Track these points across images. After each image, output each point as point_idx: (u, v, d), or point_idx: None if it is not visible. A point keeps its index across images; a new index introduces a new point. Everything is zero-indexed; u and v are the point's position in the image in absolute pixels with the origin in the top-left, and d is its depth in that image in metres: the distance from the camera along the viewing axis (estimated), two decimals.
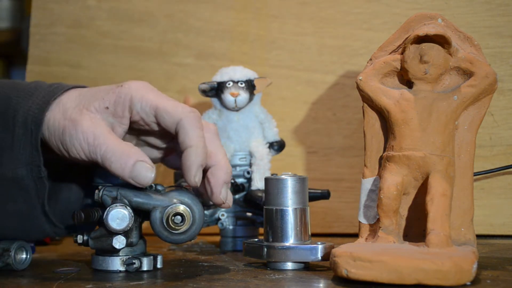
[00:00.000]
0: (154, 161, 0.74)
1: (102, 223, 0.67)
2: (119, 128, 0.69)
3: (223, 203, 0.69)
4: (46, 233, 0.72)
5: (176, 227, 0.67)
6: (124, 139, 0.70)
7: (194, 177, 0.66)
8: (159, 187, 0.70)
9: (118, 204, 0.67)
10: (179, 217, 0.67)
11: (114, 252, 0.69)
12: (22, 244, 0.73)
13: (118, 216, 0.67)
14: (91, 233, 0.70)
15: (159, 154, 0.75)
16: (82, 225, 0.69)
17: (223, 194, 0.69)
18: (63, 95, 0.70)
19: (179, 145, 0.67)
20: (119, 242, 0.68)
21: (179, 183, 0.84)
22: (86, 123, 0.67)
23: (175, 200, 0.67)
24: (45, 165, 0.69)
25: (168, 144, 0.74)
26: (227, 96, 0.86)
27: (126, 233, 0.68)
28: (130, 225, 0.67)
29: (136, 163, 0.66)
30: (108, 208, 0.67)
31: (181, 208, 0.67)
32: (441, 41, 0.69)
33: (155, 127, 0.70)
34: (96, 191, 0.69)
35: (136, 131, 0.72)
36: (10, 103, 0.70)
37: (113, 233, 0.67)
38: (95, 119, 0.68)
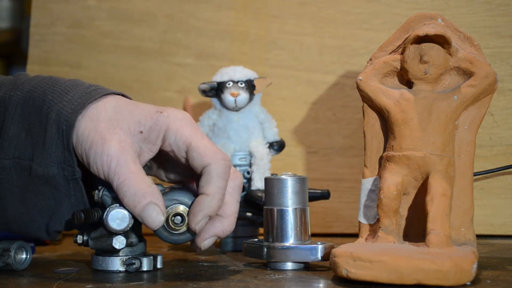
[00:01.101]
0: (172, 181, 0.73)
1: (102, 223, 0.67)
2: (147, 154, 0.68)
3: (199, 248, 0.67)
4: (69, 227, 0.72)
5: (176, 227, 0.67)
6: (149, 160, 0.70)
7: (196, 224, 0.65)
8: (160, 187, 0.69)
9: (118, 205, 0.67)
10: (179, 217, 0.67)
11: (114, 252, 0.69)
12: (22, 244, 0.73)
13: (118, 217, 0.67)
14: (91, 233, 0.70)
15: (178, 177, 0.73)
16: (82, 225, 0.69)
17: (206, 242, 0.67)
18: (100, 101, 0.68)
19: (199, 186, 0.66)
20: (119, 242, 0.68)
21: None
22: (114, 146, 0.66)
23: (175, 201, 0.67)
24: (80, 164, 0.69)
25: (190, 175, 0.71)
26: (227, 96, 0.86)
27: (126, 233, 0.68)
28: (130, 226, 0.67)
29: (149, 205, 0.65)
30: (108, 209, 0.67)
31: (181, 208, 0.67)
32: (441, 41, 0.69)
33: (183, 161, 0.68)
34: (96, 192, 0.69)
35: (163, 157, 0.70)
36: (45, 98, 0.69)
37: (113, 233, 0.67)
38: (124, 144, 0.66)
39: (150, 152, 0.68)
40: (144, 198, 0.65)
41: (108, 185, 0.68)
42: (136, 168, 0.66)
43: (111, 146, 0.66)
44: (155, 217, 0.65)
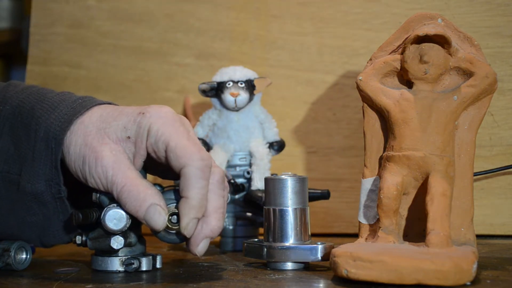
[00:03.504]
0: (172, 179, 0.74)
1: (99, 223, 0.67)
2: (139, 158, 0.68)
3: (197, 255, 0.67)
4: (63, 241, 0.73)
5: (173, 227, 0.67)
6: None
7: (184, 229, 0.65)
8: (158, 187, 0.69)
9: (115, 205, 0.67)
10: (175, 217, 0.67)
11: (113, 252, 0.69)
12: (22, 244, 0.73)
13: (116, 217, 0.67)
14: (89, 233, 0.70)
15: (169, 174, 0.72)
16: (80, 225, 0.69)
17: (200, 247, 0.66)
18: (85, 115, 0.69)
19: (179, 190, 0.66)
20: (117, 242, 0.68)
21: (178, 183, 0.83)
22: (106, 156, 0.66)
23: (171, 200, 0.67)
24: (66, 182, 0.69)
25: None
26: (227, 96, 0.86)
27: (124, 233, 0.68)
28: (127, 226, 0.67)
29: (151, 206, 0.65)
30: (105, 209, 0.67)
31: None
32: (441, 41, 0.69)
33: (164, 162, 0.67)
34: (94, 192, 0.69)
35: (153, 160, 0.69)
36: (33, 114, 0.69)
37: (111, 233, 0.67)
38: (116, 152, 0.66)
39: (141, 156, 0.68)
40: (145, 201, 0.65)
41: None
42: (132, 173, 0.66)
43: (104, 157, 0.66)
44: (158, 218, 0.65)
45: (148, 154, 0.68)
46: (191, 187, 0.64)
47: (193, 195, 0.64)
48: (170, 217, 0.67)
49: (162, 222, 0.65)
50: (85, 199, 0.71)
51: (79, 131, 0.68)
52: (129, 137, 0.67)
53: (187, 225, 0.65)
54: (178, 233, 0.67)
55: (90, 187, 0.68)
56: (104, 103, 0.71)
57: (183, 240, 0.68)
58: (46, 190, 0.69)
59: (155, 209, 0.65)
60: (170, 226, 0.67)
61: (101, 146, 0.67)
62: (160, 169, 0.70)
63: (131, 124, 0.67)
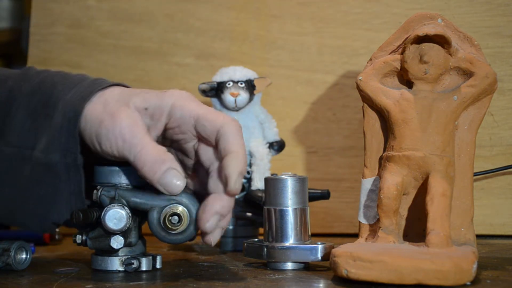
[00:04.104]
0: None
1: (100, 223, 0.67)
2: (153, 131, 0.69)
3: (206, 231, 0.66)
4: (66, 222, 0.71)
5: (173, 227, 0.67)
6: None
7: (234, 184, 0.65)
8: None
9: (115, 204, 0.67)
10: (176, 217, 0.67)
11: (113, 252, 0.69)
12: (22, 244, 0.73)
13: (116, 216, 0.67)
14: (89, 233, 0.70)
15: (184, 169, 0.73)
16: (80, 225, 0.69)
17: (210, 223, 0.66)
18: (106, 89, 0.70)
19: (220, 152, 0.66)
20: (117, 242, 0.68)
21: None
22: (125, 120, 0.67)
23: (173, 200, 0.67)
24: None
25: (192, 164, 0.72)
26: (227, 96, 0.86)
27: (124, 233, 0.68)
28: (127, 226, 0.67)
29: (168, 170, 0.65)
30: (105, 208, 0.67)
31: (179, 208, 0.67)
32: (441, 41, 0.69)
33: (190, 138, 0.69)
34: (95, 191, 0.69)
35: (167, 141, 0.71)
36: (54, 90, 0.70)
37: (111, 233, 0.67)
38: (134, 117, 0.67)
39: (156, 130, 0.69)
40: (164, 164, 0.65)
41: (107, 183, 0.68)
42: (150, 138, 0.67)
43: (122, 120, 0.66)
44: (176, 182, 0.66)
45: (166, 136, 0.69)
46: (233, 143, 0.66)
47: (237, 149, 0.66)
48: (170, 217, 0.67)
49: (179, 186, 0.66)
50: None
51: (99, 100, 0.68)
52: (146, 109, 0.68)
53: (236, 181, 0.65)
54: (178, 234, 0.67)
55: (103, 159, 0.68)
56: (123, 85, 0.72)
57: (182, 241, 0.68)
58: (60, 160, 0.68)
59: (173, 173, 0.66)
60: (169, 226, 0.67)
61: (119, 111, 0.67)
62: (177, 159, 0.71)
63: (152, 97, 0.68)
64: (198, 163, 0.70)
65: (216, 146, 0.67)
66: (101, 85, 0.70)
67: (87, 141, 0.68)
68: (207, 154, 0.69)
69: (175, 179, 0.66)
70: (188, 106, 0.68)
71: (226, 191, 0.66)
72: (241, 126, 0.68)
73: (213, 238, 0.67)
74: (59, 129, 0.68)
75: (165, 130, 0.69)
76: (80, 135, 0.68)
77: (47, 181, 0.69)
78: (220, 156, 0.67)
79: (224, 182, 0.65)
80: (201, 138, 0.68)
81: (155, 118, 0.68)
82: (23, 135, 0.70)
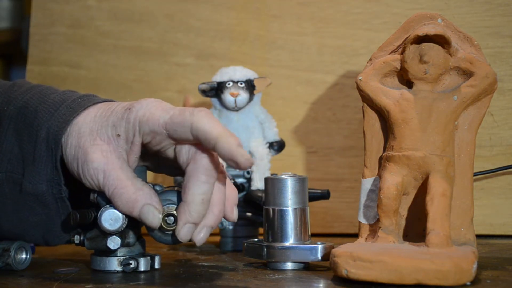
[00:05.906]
0: (176, 175, 0.74)
1: (96, 224, 0.67)
2: (132, 155, 0.68)
3: (249, 164, 0.64)
4: (67, 240, 0.73)
5: (169, 228, 0.67)
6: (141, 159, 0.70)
7: (241, 156, 0.62)
8: (157, 187, 0.70)
9: (112, 205, 0.67)
10: (171, 217, 0.67)
11: (110, 252, 0.69)
12: (22, 244, 0.73)
13: (112, 217, 0.67)
14: (87, 233, 0.70)
15: (176, 171, 0.72)
16: (78, 225, 0.69)
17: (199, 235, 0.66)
18: (80, 115, 0.69)
19: (206, 146, 0.64)
20: (113, 242, 0.68)
21: (178, 183, 0.83)
22: (97, 159, 0.66)
23: (168, 201, 0.67)
24: (68, 182, 0.69)
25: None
26: (227, 96, 0.86)
27: (122, 233, 0.68)
28: (123, 226, 0.67)
29: (143, 207, 0.66)
30: (102, 209, 0.67)
31: (174, 209, 0.67)
32: (441, 41, 0.69)
33: (169, 144, 0.67)
34: (92, 193, 0.69)
35: (151, 152, 0.69)
36: (36, 115, 0.70)
37: (108, 233, 0.67)
38: (107, 153, 0.67)
39: (133, 152, 0.68)
40: (137, 202, 0.66)
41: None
42: (124, 174, 0.66)
43: (94, 160, 0.66)
44: (152, 218, 0.66)
45: (147, 149, 0.68)
46: (213, 128, 0.63)
47: (219, 132, 0.63)
48: (166, 218, 0.67)
49: (157, 221, 0.66)
50: (87, 199, 0.71)
51: (74, 132, 0.68)
52: (119, 135, 0.67)
53: (242, 154, 0.62)
54: (174, 234, 0.67)
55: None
56: (102, 101, 0.71)
57: (180, 241, 0.67)
58: (47, 190, 0.69)
59: (148, 210, 0.66)
60: (165, 227, 0.67)
61: (92, 147, 0.67)
62: (167, 164, 0.70)
63: (119, 121, 0.67)
64: None
65: (198, 143, 0.65)
66: (77, 109, 0.69)
67: (74, 173, 0.69)
68: (184, 154, 0.67)
69: (150, 215, 0.66)
70: (153, 117, 0.66)
71: (241, 167, 0.63)
72: (209, 111, 0.65)
73: (198, 238, 0.66)
74: (44, 160, 0.69)
75: (143, 146, 0.68)
76: (61, 167, 0.69)
77: (38, 210, 0.71)
78: (207, 147, 0.65)
79: (234, 165, 0.63)
80: (179, 141, 0.66)
81: (129, 141, 0.67)
82: (13, 161, 0.70)
